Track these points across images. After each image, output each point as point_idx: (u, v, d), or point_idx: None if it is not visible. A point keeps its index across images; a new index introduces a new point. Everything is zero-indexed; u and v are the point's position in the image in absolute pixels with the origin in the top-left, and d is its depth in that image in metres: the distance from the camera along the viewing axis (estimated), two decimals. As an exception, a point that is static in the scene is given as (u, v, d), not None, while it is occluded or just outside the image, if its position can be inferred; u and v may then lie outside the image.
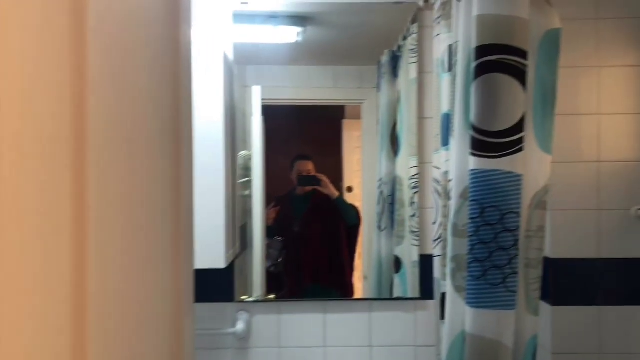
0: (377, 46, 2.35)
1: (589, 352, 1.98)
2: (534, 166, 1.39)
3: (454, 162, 1.50)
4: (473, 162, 1.36)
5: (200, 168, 1.78)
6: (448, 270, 1.52)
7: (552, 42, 1.44)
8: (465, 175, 1.45)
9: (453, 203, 1.49)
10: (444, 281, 1.78)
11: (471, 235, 1.35)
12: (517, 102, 1.33)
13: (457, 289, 1.48)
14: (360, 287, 2.33)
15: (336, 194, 2.33)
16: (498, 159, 1.33)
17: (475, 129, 1.35)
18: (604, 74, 2.00)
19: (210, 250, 1.81)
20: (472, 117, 1.36)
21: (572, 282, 1.97)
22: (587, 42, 1.97)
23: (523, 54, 1.33)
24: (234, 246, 2.07)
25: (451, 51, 1.69)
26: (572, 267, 1.97)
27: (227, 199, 1.88)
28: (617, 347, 1.97)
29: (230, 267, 2.08)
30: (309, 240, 2.35)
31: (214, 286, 2.09)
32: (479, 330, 1.34)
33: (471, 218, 1.35)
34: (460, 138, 1.47)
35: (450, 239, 1.50)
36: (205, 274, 2.06)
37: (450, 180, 1.56)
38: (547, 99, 1.44)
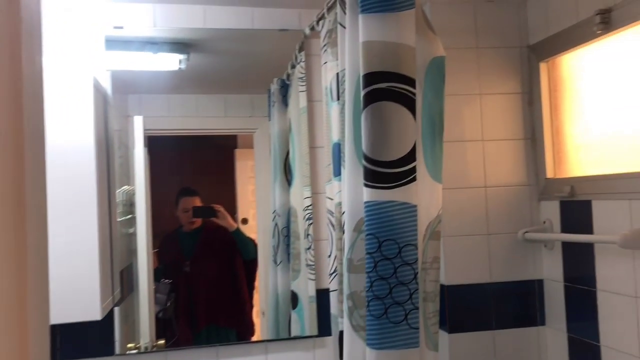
0: (267, 74, 2.28)
1: (487, 377, 1.98)
2: (426, 196, 1.36)
3: (346, 194, 1.43)
4: (367, 194, 1.30)
5: (68, 206, 1.58)
6: (345, 309, 1.44)
7: (437, 70, 1.43)
8: (358, 208, 1.39)
9: (347, 237, 1.42)
10: (342, 318, 1.70)
11: (369, 271, 1.29)
12: (408, 130, 1.30)
13: (355, 328, 1.40)
14: (259, 323, 2.21)
15: (234, 225, 2.21)
16: (392, 190, 1.28)
17: (368, 159, 1.30)
18: (485, 101, 2.05)
19: (82, 300, 1.60)
20: (364, 146, 1.30)
21: (466, 308, 1.97)
22: (469, 71, 2.02)
23: (411, 81, 1.31)
24: (114, 292, 1.86)
25: (339, 79, 1.64)
26: (466, 293, 1.97)
27: (103, 240, 1.68)
28: (512, 370, 1.99)
29: (109, 317, 1.87)
30: (202, 279, 2.19)
31: (91, 340, 1.87)
32: (381, 372, 1.26)
33: (369, 253, 1.29)
34: (351, 168, 1.41)
35: (345, 275, 1.42)
36: (78, 328, 1.83)
37: (344, 213, 1.49)
38: (435, 127, 1.43)
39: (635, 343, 1.61)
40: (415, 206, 1.29)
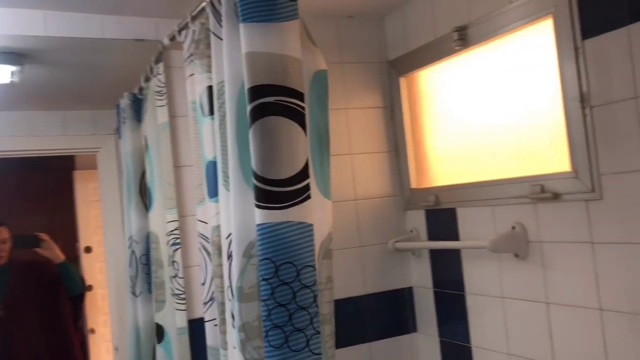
0: (114, 88, 2.08)
1: (367, 390, 1.98)
2: (318, 213, 1.31)
3: (232, 216, 1.32)
4: (260, 216, 1.21)
5: None
6: (236, 342, 1.32)
7: (321, 84, 1.39)
8: (248, 231, 1.29)
9: (235, 264, 1.31)
10: (224, 350, 1.57)
11: (266, 299, 1.19)
12: (300, 146, 1.23)
13: (251, 361, 1.30)
14: (110, 360, 1.99)
15: (61, 257, 1.96)
16: (287, 210, 1.20)
17: (259, 178, 1.21)
18: (351, 115, 2.07)
19: None
20: (254, 165, 1.21)
21: (342, 322, 1.96)
22: (335, 86, 2.03)
23: (300, 95, 1.25)
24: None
25: (211, 93, 1.53)
26: (342, 307, 1.96)
27: None
28: (389, 379, 2.02)
29: None
30: (17, 324, 1.91)
31: None
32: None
33: (264, 279, 1.19)
34: (238, 189, 1.31)
35: (236, 305, 1.31)
36: None
37: (228, 237, 1.38)
38: (322, 142, 1.39)
39: (504, 341, 1.71)
40: (311, 225, 1.23)
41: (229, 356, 1.47)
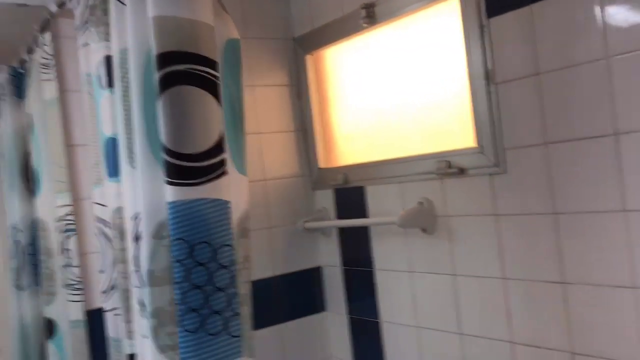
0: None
1: (278, 372, 1.96)
2: (234, 190, 1.24)
3: (140, 195, 1.22)
4: (172, 193, 1.12)
5: None
6: (147, 329, 1.23)
7: (234, 54, 1.32)
8: (158, 210, 1.20)
9: (145, 246, 1.21)
10: (130, 340, 1.47)
11: (180, 281, 1.11)
12: (214, 118, 1.16)
13: (163, 349, 1.21)
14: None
15: None
16: (202, 186, 1.13)
17: (170, 152, 1.12)
18: (257, 93, 2.01)
19: None
20: (164, 138, 1.12)
21: (254, 305, 1.91)
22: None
23: (213, 64, 1.17)
24: None
25: (110, 63, 1.41)
26: (253, 290, 1.90)
27: None
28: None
29: None
30: None
31: None
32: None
33: (178, 260, 1.11)
34: (145, 166, 1.21)
35: (146, 290, 1.22)
36: None
37: (135, 218, 1.27)
38: (237, 115, 1.32)
39: (412, 314, 1.75)
40: (228, 202, 1.17)
41: (137, 346, 1.37)
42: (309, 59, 2.06)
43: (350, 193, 1.94)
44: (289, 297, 2.01)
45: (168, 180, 1.13)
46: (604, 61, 1.23)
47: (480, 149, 1.51)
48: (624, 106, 1.21)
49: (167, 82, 1.13)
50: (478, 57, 1.49)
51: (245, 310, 1.25)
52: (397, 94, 1.79)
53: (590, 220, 1.29)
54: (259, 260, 1.93)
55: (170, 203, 1.13)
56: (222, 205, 1.16)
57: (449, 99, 1.63)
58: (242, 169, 1.30)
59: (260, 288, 1.92)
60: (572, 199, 1.32)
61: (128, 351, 1.47)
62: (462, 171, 1.56)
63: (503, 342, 1.49)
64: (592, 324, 1.30)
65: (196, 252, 1.12)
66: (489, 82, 1.47)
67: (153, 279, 1.21)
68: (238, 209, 1.25)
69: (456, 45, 1.57)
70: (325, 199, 2.04)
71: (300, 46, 2.07)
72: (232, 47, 1.31)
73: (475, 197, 1.54)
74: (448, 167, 1.59)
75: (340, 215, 1.99)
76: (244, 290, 1.25)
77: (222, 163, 1.17)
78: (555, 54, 1.32)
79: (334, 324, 2.06)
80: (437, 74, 1.66)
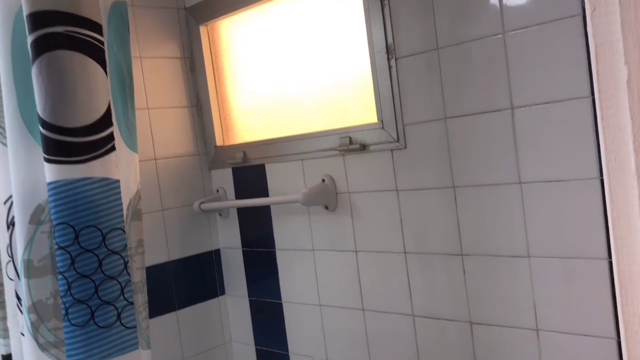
0: None
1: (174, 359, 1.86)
2: (124, 169, 1.13)
3: (12, 176, 1.07)
4: (52, 172, 0.99)
5: None
6: (24, 326, 1.09)
7: (121, 18, 1.19)
8: (36, 192, 1.06)
9: (20, 233, 1.07)
10: (6, 339, 1.31)
11: (64, 271, 1.00)
12: (99, 88, 1.04)
13: (44, 347, 1.08)
14: None
15: None
16: (88, 164, 1.01)
17: (48, 125, 0.99)
18: (146, 65, 1.87)
19: None
20: (41, 110, 0.99)
21: (150, 292, 1.79)
22: (127, 30, 1.79)
23: (97, 27, 1.05)
24: None
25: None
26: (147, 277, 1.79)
27: None
28: (197, 347, 1.91)
29: None
30: None
31: None
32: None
33: (61, 247, 0.99)
34: (17, 141, 1.06)
35: (23, 282, 1.08)
36: None
37: (7, 201, 1.12)
38: (126, 86, 1.20)
39: (314, 293, 1.73)
40: (117, 181, 1.06)
41: (12, 345, 1.22)
42: (203, 30, 1.95)
43: (249, 172, 1.87)
44: (186, 282, 1.91)
45: (47, 158, 1.00)
46: (500, 36, 1.26)
47: (382, 124, 1.50)
48: (519, 81, 1.24)
49: (43, 46, 1.00)
50: (379, 32, 1.47)
51: (140, 299, 1.16)
52: (298, 69, 1.73)
53: (487, 192, 1.32)
54: (153, 245, 1.81)
55: (50, 183, 1.00)
56: (110, 185, 1.05)
57: (350, 75, 1.60)
58: (132, 146, 1.18)
59: (155, 274, 1.81)
60: (470, 172, 1.35)
61: (2, 351, 1.31)
62: (363, 147, 1.54)
63: (405, 315, 1.51)
64: (490, 294, 1.34)
65: (82, 237, 1.01)
66: (389, 57, 1.46)
67: (31, 270, 1.08)
68: (129, 189, 1.15)
69: (357, 19, 1.54)
70: (223, 179, 1.96)
71: (193, 16, 1.95)
72: (119, 11, 1.19)
73: (377, 173, 1.53)
74: (350, 143, 1.57)
75: (239, 195, 1.92)
76: (138, 277, 1.15)
77: (109, 138, 1.05)
78: (453, 29, 1.33)
79: (234, 307, 1.99)
80: (338, 48, 1.62)
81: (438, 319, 1.45)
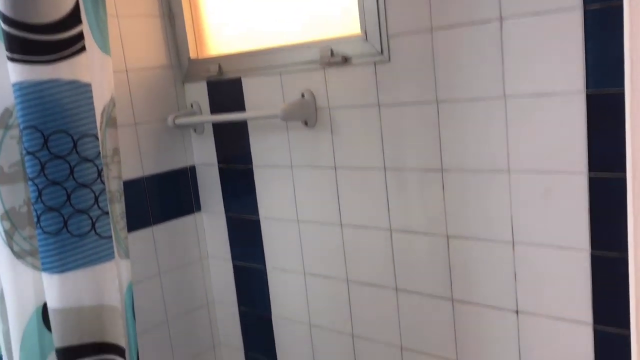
0: None
1: (153, 275, 1.86)
2: (96, 72, 1.07)
3: (-26, 77, 1.01)
4: (17, 72, 0.93)
5: None
6: (-3, 234, 1.06)
7: None
8: (1, 95, 1.00)
9: (-15, 137, 1.02)
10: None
11: (34, 177, 0.96)
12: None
13: (20, 255, 1.06)
14: None
15: None
16: (55, 64, 0.95)
17: (11, 21, 0.92)
18: (114, -32, 1.75)
19: None
20: (2, 4, 0.91)
21: (125, 207, 1.76)
22: None
23: None
24: None
25: None
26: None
27: None
28: (173, 262, 1.92)
29: None
30: None
31: None
32: (73, 299, 1.00)
33: (30, 152, 0.95)
34: (-23, 39, 0.99)
35: (-8, 189, 1.04)
36: None
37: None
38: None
39: (292, 209, 1.72)
40: (88, 85, 1.00)
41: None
42: None
43: (225, 86, 1.80)
44: (161, 198, 1.88)
45: (10, 57, 0.93)
46: (493, -58, 1.20)
47: (365, 36, 1.44)
48: (509, -10, 1.19)
49: None
50: None
51: (118, 208, 1.13)
52: (276, -24, 1.64)
53: (471, 107, 1.30)
54: (126, 159, 1.76)
55: (15, 84, 0.94)
56: (81, 89, 0.99)
57: (332, -18, 1.52)
58: (104, 47, 1.12)
59: (129, 190, 1.77)
60: (454, 86, 1.32)
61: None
62: (345, 60, 1.49)
63: (382, 230, 1.52)
64: (468, 209, 1.35)
65: (52, 142, 0.96)
66: (375, -37, 1.39)
67: (1, 176, 1.03)
68: (102, 94, 1.09)
69: None
70: (197, 93, 1.89)
71: None
72: None
73: (359, 87, 1.49)
74: (331, 55, 1.51)
75: (215, 110, 1.86)
76: (115, 186, 1.12)
77: (78, 37, 0.99)
78: None
79: (210, 224, 1.98)
80: (319, -47, 1.53)
81: (415, 233, 1.46)
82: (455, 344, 1.44)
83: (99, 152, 1.02)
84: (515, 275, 1.30)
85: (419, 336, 1.51)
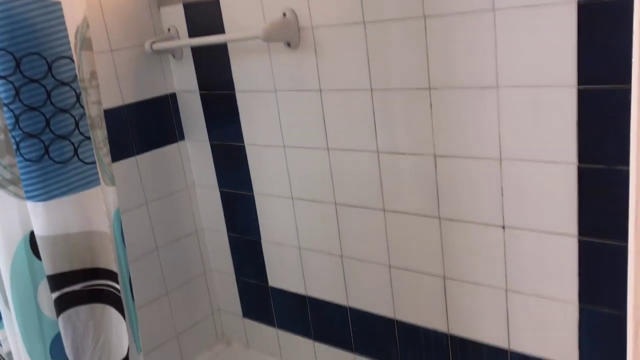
0: None
1: (139, 204, 1.85)
2: (65, -10, 1.01)
3: None
4: (-20, -10, 0.87)
5: None
6: (-25, 164, 1.03)
7: None
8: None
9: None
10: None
11: (10, 102, 0.92)
12: None
13: (1, 184, 1.04)
14: None
15: None
16: (21, -19, 0.89)
17: None
18: None
19: None
20: None
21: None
22: None
23: None
24: None
25: None
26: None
27: None
28: (159, 191, 1.91)
29: None
30: None
31: None
32: (60, 227, 0.98)
33: (3, 77, 0.91)
34: None
35: (-34, 117, 1.00)
36: None
37: None
38: None
39: (278, 134, 1.70)
40: (58, 4, 0.94)
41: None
42: None
43: (202, 7, 1.73)
44: (143, 127, 1.84)
45: (-29, -27, 0.87)
46: None
47: (348, -52, 1.37)
48: None
49: None
50: None
51: (100, 134, 1.10)
52: None
53: (459, 21, 1.26)
54: (104, 88, 1.70)
55: (-21, 3, 0.89)
56: (50, 8, 0.94)
57: None
58: (71, -36, 1.05)
59: (110, 119, 1.72)
60: (442, 0, 1.27)
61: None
62: (327, -24, 1.43)
63: (369, 152, 1.51)
64: (456, 127, 1.34)
65: (25, 65, 0.92)
66: None
67: (-26, 104, 0.99)
68: (73, 14, 1.03)
69: None
70: (174, 16, 1.81)
71: None
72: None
73: (343, 4, 1.44)
74: (312, -29, 1.45)
75: (193, 34, 1.79)
76: (95, 111, 1.08)
77: (44, -49, 0.92)
78: None
79: (194, 152, 1.96)
80: None
81: (403, 153, 1.45)
82: (443, 260, 1.46)
83: (76, 75, 0.98)
84: (502, 191, 1.31)
85: (407, 255, 1.53)
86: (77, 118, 0.99)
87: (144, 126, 1.84)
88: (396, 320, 1.62)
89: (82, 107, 0.99)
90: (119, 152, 1.77)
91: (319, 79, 1.55)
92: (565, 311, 1.29)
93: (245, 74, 1.72)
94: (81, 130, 1.00)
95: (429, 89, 1.36)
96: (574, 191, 1.20)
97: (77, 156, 1.00)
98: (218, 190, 1.94)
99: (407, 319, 1.59)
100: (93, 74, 1.08)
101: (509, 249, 1.34)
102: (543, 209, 1.26)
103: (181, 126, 1.95)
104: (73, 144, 0.99)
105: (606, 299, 1.23)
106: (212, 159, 1.92)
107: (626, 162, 1.12)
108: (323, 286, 1.77)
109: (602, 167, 1.15)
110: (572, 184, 1.20)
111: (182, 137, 1.95)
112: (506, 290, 1.37)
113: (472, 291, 1.43)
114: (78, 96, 0.98)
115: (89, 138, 1.01)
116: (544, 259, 1.29)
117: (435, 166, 1.40)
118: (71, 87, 0.97)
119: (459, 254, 1.43)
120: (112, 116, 1.73)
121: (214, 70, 1.79)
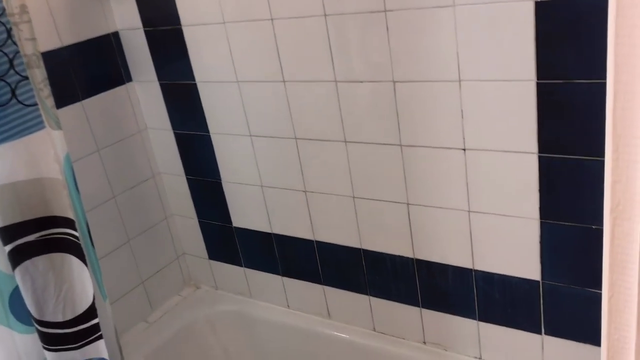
0: None
1: (91, 151, 1.77)
2: None
3: None
4: None
5: None
6: None
7: None
8: None
9: None
10: None
11: None
12: None
13: None
14: None
15: None
16: None
17: None
18: None
19: None
20: None
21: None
22: None
23: None
24: None
25: None
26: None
27: None
28: (110, 138, 1.83)
29: None
30: None
31: None
32: (5, 175, 0.92)
33: None
34: None
35: None
36: None
37: None
38: None
39: (230, 68, 1.63)
40: None
41: None
42: None
43: None
44: (86, 69, 1.74)
45: None
46: None
47: None
48: None
49: None
50: None
51: (39, 74, 1.02)
52: None
53: (413, -63, 1.21)
54: (38, 26, 1.57)
55: None
56: None
57: None
58: None
59: (49, 62, 1.61)
60: None
61: None
62: None
63: (327, 82, 1.47)
64: (413, 50, 1.31)
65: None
66: None
67: None
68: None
69: None
70: (109, -53, 1.68)
71: None
72: None
73: None
74: None
75: (132, -34, 1.68)
76: (30, 49, 1.00)
77: None
78: None
79: (144, 93, 1.87)
80: None
81: (361, 82, 1.42)
82: (406, 187, 1.47)
83: (4, 9, 0.89)
84: (462, 113, 1.30)
85: (370, 184, 1.53)
86: (10, 56, 0.91)
87: (87, 69, 1.74)
88: (363, 250, 1.63)
89: (15, 44, 0.91)
90: (63, 98, 1.67)
91: (269, 7, 1.48)
92: (527, 228, 1.32)
93: (191, 6, 1.62)
94: (17, 69, 0.92)
95: (385, 11, 1.31)
96: (533, 108, 1.20)
97: (16, 98, 0.92)
98: (172, 132, 1.87)
99: (374, 248, 1.60)
100: (23, 8, 0.99)
101: (470, 171, 1.35)
102: (503, 129, 1.26)
103: (127, 67, 1.85)
104: (9, 84, 0.91)
105: (566, 213, 1.26)
106: (163, 99, 1.84)
107: (585, 75, 1.12)
108: (288, 222, 1.76)
109: (561, 82, 1.15)
110: (531, 101, 1.20)
111: (129, 79, 1.86)
112: (469, 212, 1.39)
113: (436, 215, 1.45)
114: (9, 32, 0.90)
115: (26, 78, 0.93)
116: (505, 178, 1.30)
117: (395, 92, 1.38)
118: (0, 22, 0.89)
119: (422, 180, 1.43)
120: (51, 59, 1.62)
121: (157, 4, 1.69)
